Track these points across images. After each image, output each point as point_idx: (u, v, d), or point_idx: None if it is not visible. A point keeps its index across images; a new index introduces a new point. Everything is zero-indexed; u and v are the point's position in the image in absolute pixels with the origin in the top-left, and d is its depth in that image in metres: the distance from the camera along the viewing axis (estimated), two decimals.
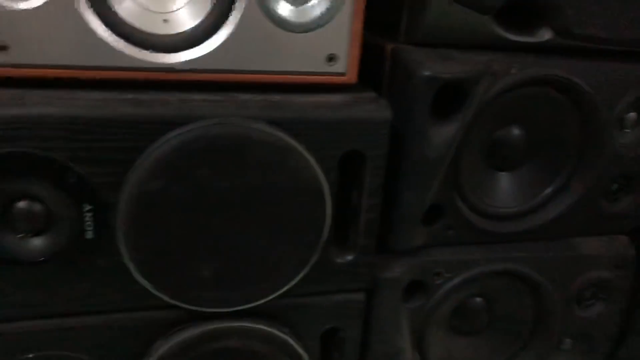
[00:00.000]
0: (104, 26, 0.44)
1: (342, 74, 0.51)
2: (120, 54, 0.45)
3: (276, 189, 0.48)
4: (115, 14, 0.44)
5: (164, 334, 0.53)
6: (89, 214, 0.47)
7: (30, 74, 0.44)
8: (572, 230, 0.67)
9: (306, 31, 0.48)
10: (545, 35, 0.56)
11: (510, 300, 0.69)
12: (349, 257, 0.56)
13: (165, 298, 0.50)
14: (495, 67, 0.54)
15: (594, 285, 0.70)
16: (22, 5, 0.42)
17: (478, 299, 0.69)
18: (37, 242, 0.47)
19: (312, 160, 0.48)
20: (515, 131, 0.62)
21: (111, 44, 0.44)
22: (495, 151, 0.62)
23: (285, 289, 0.53)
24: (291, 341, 0.56)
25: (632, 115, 0.63)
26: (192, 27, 0.46)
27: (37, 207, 0.46)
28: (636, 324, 0.74)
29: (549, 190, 0.65)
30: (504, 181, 0.64)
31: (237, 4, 0.46)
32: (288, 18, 0.47)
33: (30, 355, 0.51)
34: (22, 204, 0.46)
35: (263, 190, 0.48)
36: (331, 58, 0.50)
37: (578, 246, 0.68)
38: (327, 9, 0.47)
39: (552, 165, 0.64)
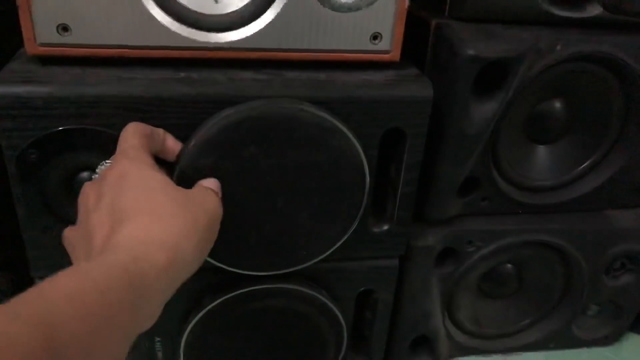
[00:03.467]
0: (159, 8, 0.46)
1: (386, 52, 0.52)
2: (174, 34, 0.47)
3: (319, 166, 0.50)
4: None
5: (212, 293, 0.57)
6: None
7: (90, 53, 0.47)
8: (607, 203, 0.68)
9: (352, 10, 0.49)
10: (593, 10, 0.56)
11: (540, 268, 0.71)
12: (385, 227, 0.58)
13: (214, 262, 0.54)
14: (540, 44, 0.54)
15: (624, 257, 0.71)
16: None
17: (508, 265, 0.72)
18: None
19: (354, 139, 0.50)
20: (556, 105, 0.62)
21: (166, 25, 0.46)
22: (535, 124, 0.63)
23: (324, 255, 0.56)
24: (329, 303, 0.60)
25: None
26: (242, 7, 0.48)
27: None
28: None
29: (587, 164, 0.65)
30: (542, 154, 0.65)
31: None
32: None
33: None
34: (85, 174, 0.49)
35: (306, 167, 0.50)
36: (376, 37, 0.51)
37: (611, 219, 0.69)
38: None
39: (591, 140, 0.64)
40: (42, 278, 0.53)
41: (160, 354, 0.61)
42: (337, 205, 0.53)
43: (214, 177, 0.48)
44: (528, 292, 0.74)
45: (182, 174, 0.48)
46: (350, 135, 0.49)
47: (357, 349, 0.69)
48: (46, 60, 0.47)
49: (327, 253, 0.56)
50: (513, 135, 0.62)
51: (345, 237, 0.55)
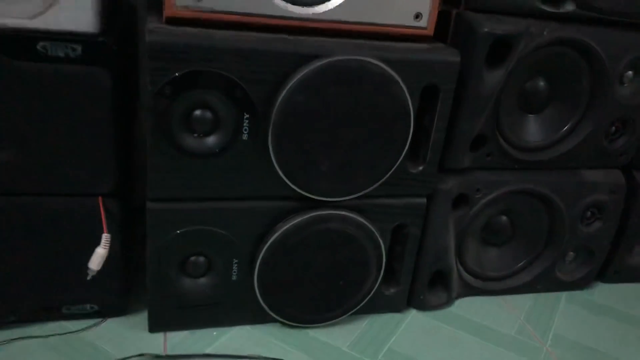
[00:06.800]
0: None
1: (424, 28, 0.70)
2: (277, 7, 0.63)
3: (378, 108, 0.67)
4: None
5: (284, 218, 0.72)
6: (247, 121, 0.65)
7: (215, 17, 0.62)
8: (579, 163, 0.87)
9: None
10: (569, 7, 0.75)
11: (530, 217, 0.89)
12: (420, 168, 0.75)
13: (295, 188, 0.68)
14: (532, 28, 0.73)
15: (594, 207, 0.90)
16: None
17: (504, 217, 0.89)
18: (208, 140, 0.65)
19: (405, 89, 0.67)
20: (541, 82, 0.81)
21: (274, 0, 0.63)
22: (526, 97, 0.81)
23: (375, 186, 0.72)
24: (374, 230, 0.75)
25: (629, 73, 0.83)
26: None
27: (209, 114, 0.64)
28: (626, 239, 0.94)
29: (564, 130, 0.84)
30: (531, 121, 0.83)
31: None
32: None
33: (185, 230, 0.69)
34: (198, 112, 0.64)
35: (369, 108, 0.66)
36: (417, 15, 0.69)
37: (583, 175, 0.88)
38: None
39: (567, 110, 0.83)
40: (154, 200, 0.67)
41: (234, 276, 0.74)
42: (389, 143, 0.69)
43: (304, 112, 0.64)
44: (520, 239, 0.91)
45: (279, 110, 0.63)
46: (402, 85, 0.66)
47: (388, 282, 0.83)
48: (179, 22, 0.62)
49: (377, 184, 0.72)
50: (510, 105, 0.80)
51: (393, 170, 0.71)
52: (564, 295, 0.96)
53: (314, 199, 0.71)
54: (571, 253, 0.94)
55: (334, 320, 0.80)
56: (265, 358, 0.72)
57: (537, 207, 0.88)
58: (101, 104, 0.64)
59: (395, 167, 0.72)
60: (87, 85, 0.63)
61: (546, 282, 0.94)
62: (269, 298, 0.75)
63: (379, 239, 0.76)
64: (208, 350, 0.72)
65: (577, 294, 0.97)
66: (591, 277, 0.97)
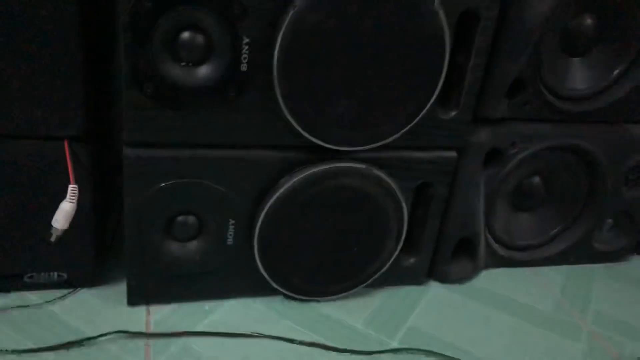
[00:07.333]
0: None
1: None
2: None
3: (408, 35, 0.54)
4: None
5: (290, 171, 0.60)
6: (246, 47, 0.53)
7: None
8: (629, 115, 0.75)
9: None
10: None
11: (568, 177, 0.78)
12: (452, 114, 0.63)
13: (305, 134, 0.56)
14: None
15: None
16: None
17: (537, 178, 0.78)
18: (198, 71, 0.53)
19: (440, 12, 0.54)
20: (589, 20, 0.69)
21: None
22: (570, 37, 0.69)
23: (399, 134, 0.60)
24: (396, 188, 0.63)
25: None
26: None
27: (201, 37, 0.52)
28: None
29: (613, 75, 0.72)
30: (576, 65, 0.72)
31: None
32: None
33: (171, 183, 0.57)
34: (187, 34, 0.51)
35: (397, 34, 0.54)
36: None
37: (632, 130, 0.76)
38: None
39: (617, 53, 0.72)
40: (132, 145, 0.55)
41: (230, 239, 0.62)
42: (418, 80, 0.57)
43: (317, 36, 0.51)
44: (554, 203, 0.80)
45: (287, 33, 0.51)
46: (438, 7, 0.54)
47: (407, 250, 0.72)
48: None
49: (404, 130, 0.60)
50: (552, 45, 0.68)
51: (421, 115, 0.59)
52: (598, 268, 0.85)
53: (326, 148, 0.59)
54: (610, 220, 0.83)
55: (345, 293, 0.69)
56: (267, 336, 0.61)
57: (576, 166, 0.77)
58: (63, 22, 0.51)
59: (424, 111, 0.60)
60: None
61: (581, 253, 0.84)
62: (270, 266, 0.64)
63: (401, 199, 0.65)
64: (198, 328, 0.61)
65: (613, 267, 0.86)
66: (631, 248, 0.86)
